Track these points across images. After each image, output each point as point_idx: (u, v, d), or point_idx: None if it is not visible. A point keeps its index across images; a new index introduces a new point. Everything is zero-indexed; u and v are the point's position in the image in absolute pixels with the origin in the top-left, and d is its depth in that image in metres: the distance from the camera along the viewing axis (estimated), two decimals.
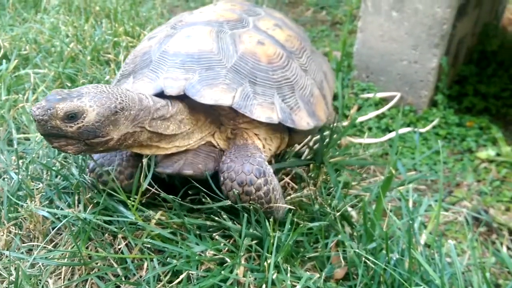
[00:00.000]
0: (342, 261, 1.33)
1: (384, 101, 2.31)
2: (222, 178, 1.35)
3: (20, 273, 1.20)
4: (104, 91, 1.20)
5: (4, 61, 2.21)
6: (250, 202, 1.32)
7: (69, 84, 2.14)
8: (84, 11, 2.93)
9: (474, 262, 1.27)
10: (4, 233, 1.38)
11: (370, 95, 2.32)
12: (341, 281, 1.31)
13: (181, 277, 1.22)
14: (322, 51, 2.82)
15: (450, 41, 2.18)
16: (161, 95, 1.37)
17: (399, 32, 2.20)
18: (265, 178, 1.32)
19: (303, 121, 1.52)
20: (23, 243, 1.37)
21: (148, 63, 1.47)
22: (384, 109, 2.23)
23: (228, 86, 1.39)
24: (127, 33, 2.60)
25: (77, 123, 1.13)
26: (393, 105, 2.26)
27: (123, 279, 1.26)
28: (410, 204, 1.57)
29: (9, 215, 1.41)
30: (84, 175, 1.50)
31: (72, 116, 1.12)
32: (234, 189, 1.31)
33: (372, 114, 2.20)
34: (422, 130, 2.13)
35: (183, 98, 1.38)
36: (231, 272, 1.23)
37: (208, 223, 1.36)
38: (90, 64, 2.25)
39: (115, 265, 1.29)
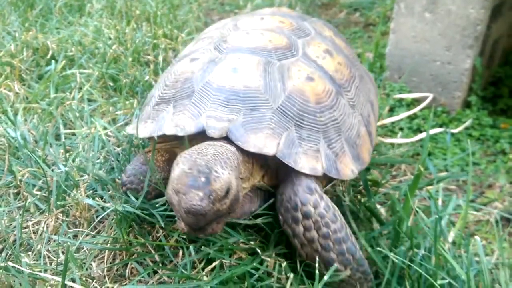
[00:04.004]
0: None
1: (416, 101, 2.32)
2: (280, 217, 1.29)
3: (68, 255, 1.31)
4: (209, 153, 1.13)
5: (52, 61, 2.36)
6: (316, 230, 1.21)
7: (111, 84, 2.27)
8: (126, 15, 3.07)
9: (503, 260, 1.27)
10: (52, 219, 1.50)
11: (402, 95, 2.33)
12: None
13: (214, 264, 1.29)
14: (354, 52, 2.84)
15: (484, 42, 2.17)
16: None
17: (432, 33, 2.21)
18: (320, 198, 1.24)
19: (348, 169, 1.39)
20: (69, 229, 1.49)
21: (190, 93, 1.39)
22: (416, 109, 2.24)
23: (273, 131, 1.30)
24: (166, 35, 2.72)
25: (228, 197, 1.07)
26: (425, 106, 2.26)
27: (160, 265, 1.35)
28: (440, 203, 1.58)
29: (58, 202, 1.53)
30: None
31: (227, 192, 1.07)
32: (292, 218, 1.23)
33: (404, 114, 2.21)
34: (454, 130, 2.13)
35: None
36: (261, 263, 1.29)
37: None
38: (131, 65, 2.37)
39: (153, 251, 1.38)
